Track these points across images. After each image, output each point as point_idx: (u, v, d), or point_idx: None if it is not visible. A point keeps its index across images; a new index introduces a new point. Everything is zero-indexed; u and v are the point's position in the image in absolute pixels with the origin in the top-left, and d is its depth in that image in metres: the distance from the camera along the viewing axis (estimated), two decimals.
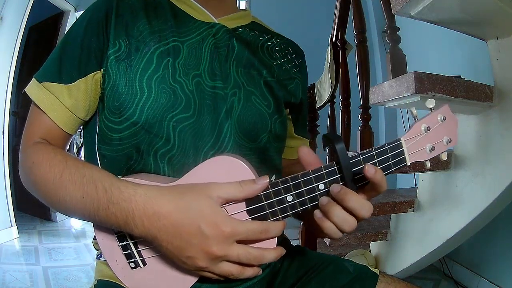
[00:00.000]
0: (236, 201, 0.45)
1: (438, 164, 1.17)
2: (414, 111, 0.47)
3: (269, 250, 0.45)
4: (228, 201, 0.44)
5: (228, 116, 0.55)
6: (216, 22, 0.60)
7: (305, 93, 0.71)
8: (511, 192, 0.99)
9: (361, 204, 0.43)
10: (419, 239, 1.30)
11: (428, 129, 0.46)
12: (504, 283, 1.60)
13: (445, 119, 0.47)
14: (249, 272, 0.45)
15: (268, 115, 0.59)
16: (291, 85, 0.66)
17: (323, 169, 0.45)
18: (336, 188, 0.43)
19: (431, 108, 0.47)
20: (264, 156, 0.60)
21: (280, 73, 0.64)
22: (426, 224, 1.27)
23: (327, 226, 0.44)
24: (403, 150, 0.46)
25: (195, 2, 0.60)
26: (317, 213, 0.44)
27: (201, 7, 0.60)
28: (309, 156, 0.46)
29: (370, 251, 1.62)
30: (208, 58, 0.57)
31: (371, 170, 0.42)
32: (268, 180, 0.44)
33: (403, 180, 2.76)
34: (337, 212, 0.43)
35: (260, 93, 0.60)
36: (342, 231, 0.44)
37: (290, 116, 0.71)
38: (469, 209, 1.09)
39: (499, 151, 1.01)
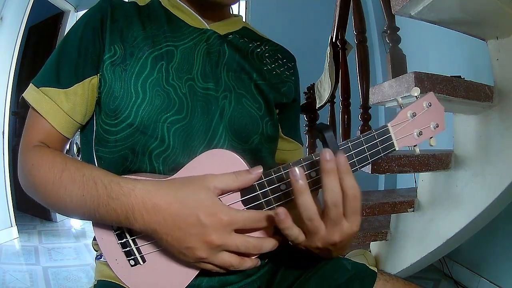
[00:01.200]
0: (231, 191, 0.46)
1: (438, 164, 1.17)
2: (400, 100, 0.49)
3: (268, 239, 0.46)
4: (224, 191, 0.46)
5: (221, 118, 0.56)
6: (208, 28, 0.62)
7: (298, 95, 0.72)
8: (511, 192, 0.99)
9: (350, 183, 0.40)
10: (419, 239, 1.30)
11: (414, 115, 0.48)
12: (504, 283, 1.60)
13: (430, 105, 0.49)
14: (248, 263, 0.46)
15: (259, 117, 0.61)
16: (284, 88, 0.67)
17: (313, 157, 0.46)
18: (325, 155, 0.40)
19: (416, 96, 0.49)
20: (257, 157, 0.61)
21: (271, 77, 0.65)
22: (426, 224, 1.27)
23: (303, 199, 0.41)
24: (390, 135, 0.48)
25: (188, 8, 0.62)
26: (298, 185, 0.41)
27: (194, 13, 0.62)
28: None
29: (370, 251, 1.62)
30: (200, 62, 0.58)
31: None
32: (261, 170, 0.46)
33: (403, 180, 2.76)
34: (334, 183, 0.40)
35: (250, 96, 0.61)
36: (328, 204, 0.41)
37: (278, 116, 0.70)
38: (469, 209, 1.09)
39: (499, 151, 1.01)
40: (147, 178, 0.47)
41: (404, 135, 0.48)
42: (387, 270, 0.70)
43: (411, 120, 0.48)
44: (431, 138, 0.50)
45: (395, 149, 0.48)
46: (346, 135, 1.61)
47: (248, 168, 0.47)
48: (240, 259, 0.46)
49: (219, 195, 0.46)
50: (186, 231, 0.43)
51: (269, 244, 0.46)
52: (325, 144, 0.45)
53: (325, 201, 0.41)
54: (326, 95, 1.89)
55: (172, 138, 0.53)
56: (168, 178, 0.47)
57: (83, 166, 0.49)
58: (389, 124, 0.48)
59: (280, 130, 0.71)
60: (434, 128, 0.49)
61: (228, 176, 0.45)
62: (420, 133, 0.49)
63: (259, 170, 0.46)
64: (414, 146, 0.50)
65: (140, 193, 0.44)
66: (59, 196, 0.48)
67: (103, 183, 0.45)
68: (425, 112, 0.49)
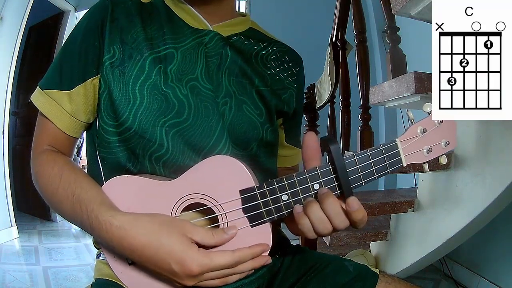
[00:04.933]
0: (207, 245, 0.46)
1: (438, 164, 1.17)
2: (411, 115, 0.47)
3: (245, 264, 0.46)
4: (199, 245, 0.45)
5: (221, 123, 0.56)
6: (211, 29, 0.60)
7: (299, 103, 0.70)
8: (511, 192, 0.99)
9: (336, 212, 0.44)
10: (419, 239, 1.30)
11: (424, 131, 0.46)
12: (504, 283, 1.60)
13: (442, 122, 0.47)
14: (233, 278, 0.47)
15: (260, 124, 0.60)
16: (285, 95, 0.65)
17: (317, 169, 0.45)
18: (323, 189, 0.45)
19: (428, 112, 0.47)
20: (256, 162, 0.60)
21: (274, 83, 0.64)
22: (426, 224, 1.27)
23: (303, 222, 0.45)
24: (398, 151, 0.46)
25: (191, 8, 0.60)
26: (297, 207, 0.45)
27: (197, 13, 0.59)
28: (313, 142, 0.46)
29: (370, 251, 1.62)
30: (203, 62, 0.57)
31: (353, 205, 0.43)
32: (236, 231, 0.46)
33: (403, 180, 2.76)
34: (315, 211, 0.44)
35: (251, 102, 0.60)
36: (316, 232, 0.45)
37: (282, 126, 0.70)
38: (469, 209, 1.09)
39: (499, 151, 1.01)
40: (125, 212, 0.47)
41: (413, 151, 0.46)
42: (387, 270, 0.70)
43: (421, 136, 0.46)
44: (441, 156, 0.48)
45: (402, 166, 0.47)
46: (346, 135, 1.61)
47: (251, 177, 0.47)
48: (222, 279, 0.46)
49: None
50: (160, 272, 0.45)
51: (246, 267, 0.46)
52: (330, 156, 0.44)
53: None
54: (326, 95, 1.89)
55: (171, 142, 0.53)
56: (149, 214, 0.47)
57: (75, 183, 0.50)
58: (397, 140, 0.46)
59: (284, 138, 0.71)
60: (445, 146, 0.48)
61: (206, 232, 0.45)
62: (429, 150, 0.47)
63: (233, 230, 0.46)
64: (424, 163, 0.48)
65: (117, 232, 0.45)
66: (57, 207, 0.52)
67: (86, 211, 0.47)
68: (436, 128, 0.47)
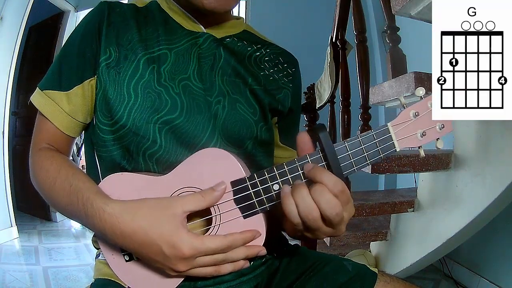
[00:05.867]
0: (202, 209, 0.46)
1: (438, 164, 1.17)
2: (403, 100, 0.47)
3: (238, 251, 0.46)
4: (193, 212, 0.46)
5: (214, 122, 0.57)
6: (204, 31, 0.61)
7: (296, 103, 0.70)
8: (511, 192, 0.99)
9: (326, 198, 0.41)
10: (419, 239, 1.30)
11: (417, 114, 0.45)
12: (504, 283, 1.60)
13: None
14: (227, 268, 0.47)
15: (254, 122, 0.60)
16: (279, 95, 0.65)
17: (308, 157, 0.45)
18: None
19: (421, 97, 0.46)
20: (252, 161, 0.60)
21: (268, 83, 0.64)
22: (426, 224, 1.27)
23: (288, 203, 0.42)
24: (390, 135, 0.45)
25: (185, 12, 0.61)
26: (285, 187, 0.43)
27: (191, 17, 0.61)
28: (306, 143, 0.46)
29: (370, 251, 1.62)
30: (196, 63, 0.59)
31: (307, 167, 0.44)
32: (225, 185, 0.46)
33: (403, 180, 2.76)
34: (303, 194, 0.41)
35: (245, 101, 0.60)
36: (301, 218, 0.42)
37: (277, 125, 0.70)
38: (469, 209, 1.09)
39: (499, 151, 1.01)
40: (117, 200, 0.48)
41: (406, 135, 0.46)
42: (387, 270, 0.70)
43: (413, 120, 0.45)
44: (437, 139, 0.47)
45: (395, 150, 0.46)
46: (346, 135, 1.61)
47: (241, 167, 0.47)
48: (215, 267, 0.47)
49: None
50: (152, 257, 0.46)
51: (238, 254, 0.46)
52: (320, 144, 0.44)
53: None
54: (326, 95, 1.89)
55: (164, 139, 0.54)
56: (138, 199, 0.47)
57: (74, 175, 0.51)
58: (389, 124, 0.46)
59: (278, 138, 0.71)
60: (440, 129, 0.46)
61: (195, 197, 0.46)
62: (423, 134, 0.46)
63: (222, 186, 0.46)
64: (419, 147, 0.47)
65: (109, 219, 0.45)
66: (54, 202, 0.53)
67: (82, 199, 0.48)
68: (430, 112, 0.46)
